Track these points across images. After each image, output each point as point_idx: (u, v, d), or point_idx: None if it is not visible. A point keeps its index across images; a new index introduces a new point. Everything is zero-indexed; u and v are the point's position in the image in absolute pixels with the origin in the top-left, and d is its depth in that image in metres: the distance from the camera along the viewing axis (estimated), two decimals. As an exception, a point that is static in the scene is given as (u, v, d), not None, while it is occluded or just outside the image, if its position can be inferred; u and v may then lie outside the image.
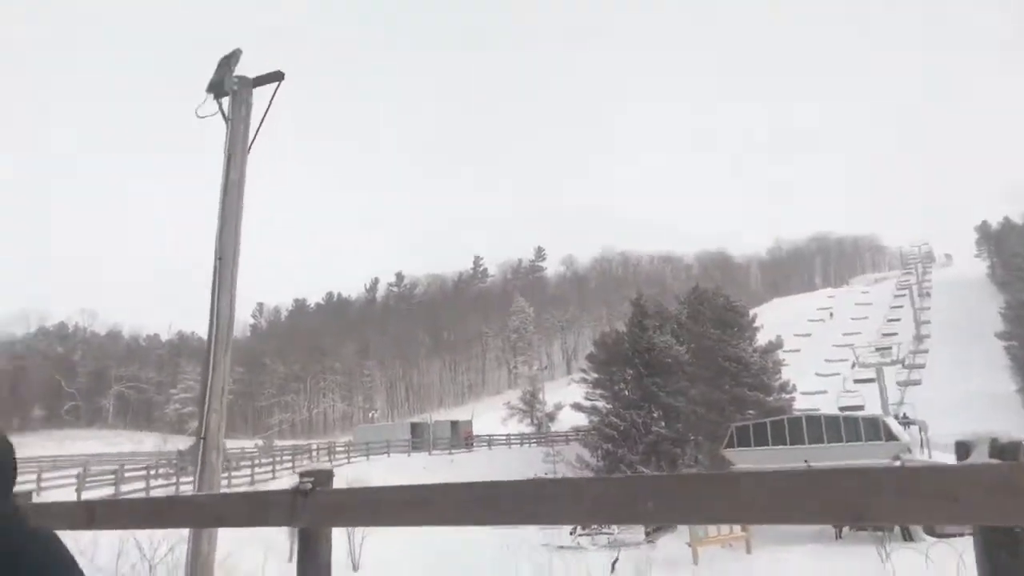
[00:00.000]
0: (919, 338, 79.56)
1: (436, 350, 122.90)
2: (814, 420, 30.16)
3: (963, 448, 1.95)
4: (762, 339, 47.77)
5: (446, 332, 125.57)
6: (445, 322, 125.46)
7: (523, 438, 54.08)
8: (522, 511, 2.35)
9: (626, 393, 43.86)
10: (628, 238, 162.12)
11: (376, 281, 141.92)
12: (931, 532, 17.97)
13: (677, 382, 42.55)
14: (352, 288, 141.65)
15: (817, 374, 69.39)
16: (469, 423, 54.56)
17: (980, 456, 1.86)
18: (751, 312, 49.86)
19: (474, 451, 48.06)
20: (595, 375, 47.48)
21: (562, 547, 22.29)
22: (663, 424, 42.37)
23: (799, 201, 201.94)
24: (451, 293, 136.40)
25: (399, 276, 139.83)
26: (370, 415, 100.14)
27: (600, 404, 45.57)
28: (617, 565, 18.16)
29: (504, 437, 52.60)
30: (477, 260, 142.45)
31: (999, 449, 1.84)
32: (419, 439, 47.43)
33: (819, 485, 1.93)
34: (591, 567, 16.21)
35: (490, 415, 66.98)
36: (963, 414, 45.55)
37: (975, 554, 1.92)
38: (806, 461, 22.83)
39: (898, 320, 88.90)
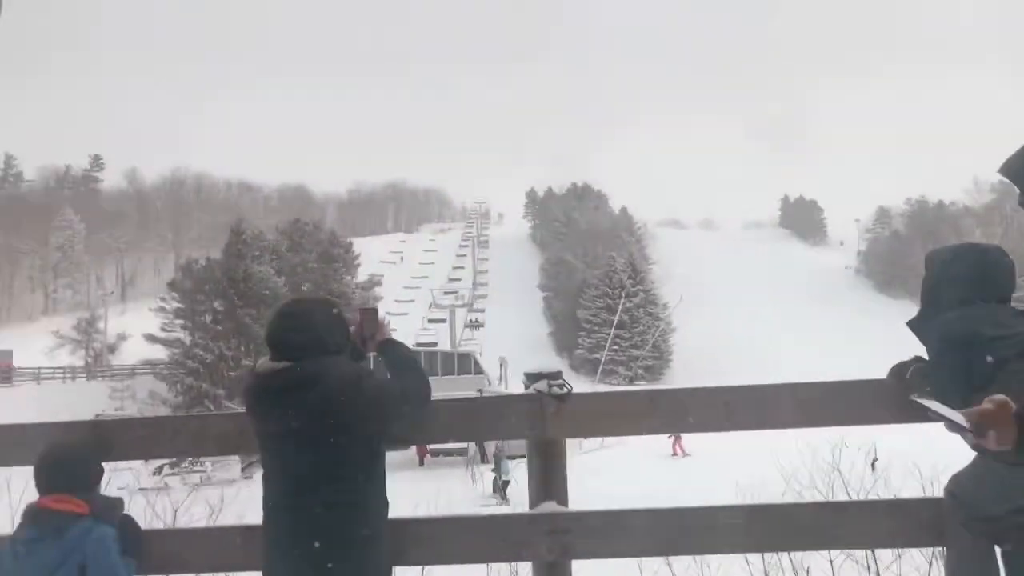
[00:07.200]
0: (477, 285, 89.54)
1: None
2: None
3: (531, 378, 2.48)
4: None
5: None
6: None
7: (80, 371, 47.23)
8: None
9: (215, 325, 41.24)
10: (204, 159, 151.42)
11: None
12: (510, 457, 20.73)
13: (274, 315, 41.78)
14: None
15: (389, 313, 73.30)
16: (9, 353, 45.61)
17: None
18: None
19: (15, 386, 40.63)
20: (177, 304, 43.65)
21: (143, 488, 20.07)
22: (254, 357, 41.10)
23: (377, 147, 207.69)
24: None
25: None
26: None
27: (183, 336, 42.15)
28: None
29: (58, 371, 45.24)
30: (9, 159, 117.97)
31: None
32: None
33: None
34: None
35: (30, 345, 57.00)
36: (514, 351, 52.90)
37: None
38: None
39: (462, 268, 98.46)
